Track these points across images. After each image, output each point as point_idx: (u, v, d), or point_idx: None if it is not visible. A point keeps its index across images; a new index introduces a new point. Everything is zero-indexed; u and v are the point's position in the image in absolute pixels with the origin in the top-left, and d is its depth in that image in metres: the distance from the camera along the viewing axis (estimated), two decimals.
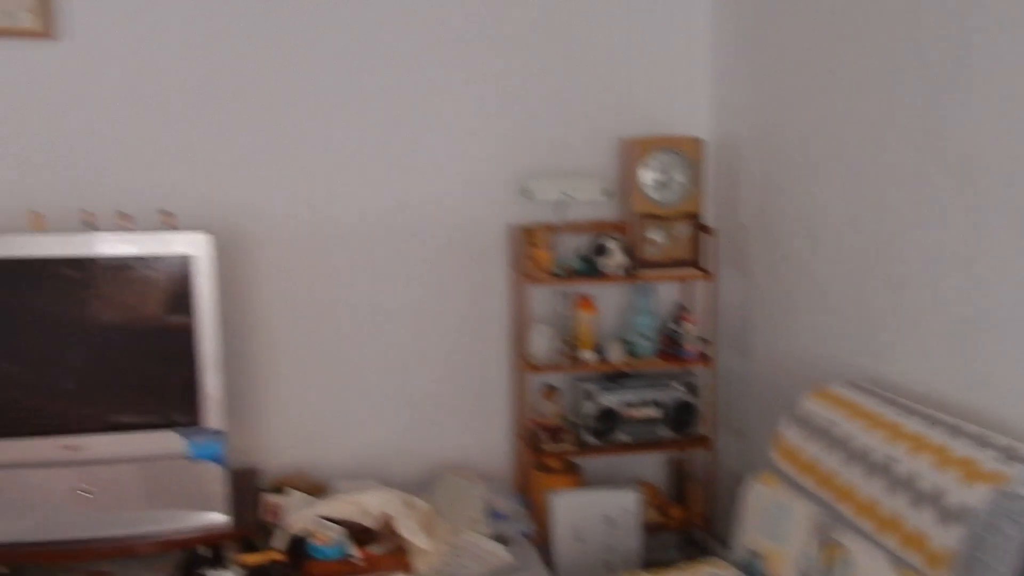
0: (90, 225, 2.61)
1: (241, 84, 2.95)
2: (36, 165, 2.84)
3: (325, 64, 3.00)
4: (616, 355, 3.11)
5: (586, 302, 3.12)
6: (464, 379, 3.25)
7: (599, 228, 3.17)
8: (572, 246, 3.18)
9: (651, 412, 3.15)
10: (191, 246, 2.61)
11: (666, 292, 3.29)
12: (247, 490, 2.92)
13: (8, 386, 2.63)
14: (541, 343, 3.07)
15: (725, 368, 3.24)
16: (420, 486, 3.09)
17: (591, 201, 3.12)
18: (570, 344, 3.13)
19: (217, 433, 2.71)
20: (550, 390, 3.16)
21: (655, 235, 3.10)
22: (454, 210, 3.15)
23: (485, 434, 3.29)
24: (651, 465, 3.42)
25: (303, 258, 3.07)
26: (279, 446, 3.14)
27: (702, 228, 3.15)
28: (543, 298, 3.21)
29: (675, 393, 3.16)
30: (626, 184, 3.14)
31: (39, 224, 2.58)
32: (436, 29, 3.06)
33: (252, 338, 3.06)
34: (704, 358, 3.16)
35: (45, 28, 2.76)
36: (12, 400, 2.64)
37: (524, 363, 3.10)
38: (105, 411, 2.68)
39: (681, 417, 3.18)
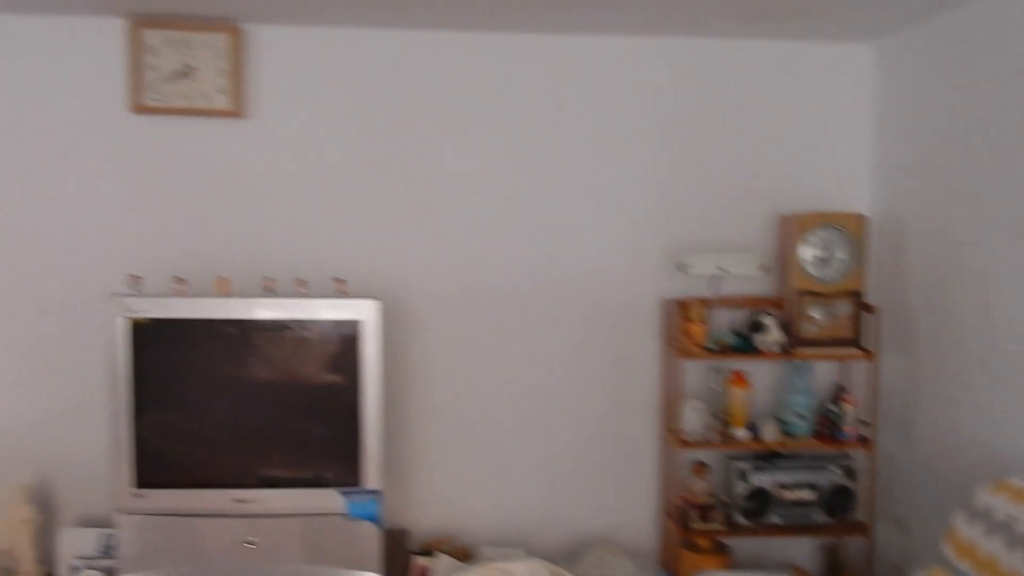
0: (270, 290, 2.78)
1: (407, 162, 3.12)
2: (225, 233, 3.07)
3: (485, 142, 3.13)
4: (770, 434, 3.03)
5: (740, 378, 3.07)
6: (611, 451, 3.24)
7: (755, 304, 3.13)
8: (726, 321, 3.14)
9: (805, 495, 3.04)
10: (360, 311, 2.75)
11: (824, 371, 3.20)
12: (398, 551, 2.99)
13: (186, 439, 2.82)
14: (692, 418, 3.03)
15: (885, 452, 3.10)
16: (565, 557, 3.08)
17: (747, 276, 3.09)
18: (722, 420, 3.08)
19: (375, 493, 2.80)
20: (700, 467, 3.10)
21: (814, 312, 3.03)
22: (605, 281, 3.19)
23: (631, 508, 3.25)
24: (804, 550, 3.28)
25: (458, 324, 3.16)
26: (428, 507, 3.21)
27: (864, 306, 3.05)
28: (695, 372, 3.18)
29: (831, 476, 3.05)
30: (785, 260, 3.10)
31: (224, 288, 2.78)
32: (592, 105, 3.15)
33: (405, 400, 3.16)
34: (863, 441, 3.04)
35: (236, 108, 3.01)
36: (189, 452, 2.82)
37: (674, 438, 3.06)
38: (273, 467, 2.82)
39: (837, 501, 3.05)
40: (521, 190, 3.15)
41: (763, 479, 3.03)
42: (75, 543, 2.98)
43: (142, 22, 2.94)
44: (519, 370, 3.20)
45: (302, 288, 2.80)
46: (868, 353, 3.04)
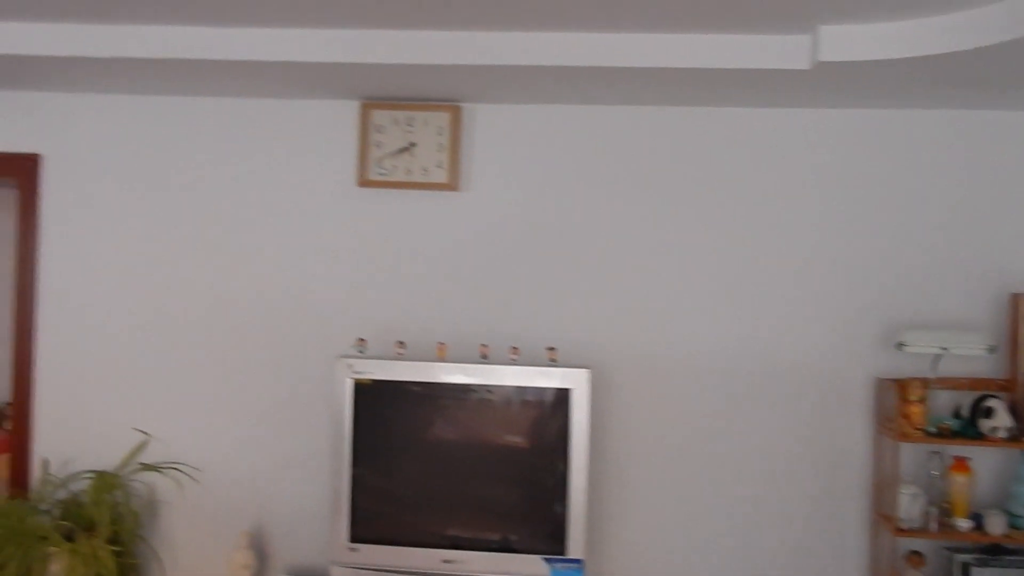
0: (484, 356, 2.88)
1: (615, 233, 3.18)
2: (443, 299, 3.22)
3: (692, 215, 3.16)
4: (996, 526, 2.83)
5: (962, 465, 2.89)
6: (816, 535, 3.11)
7: (980, 385, 2.96)
8: (945, 403, 2.99)
9: None
10: (571, 380, 2.80)
11: None
12: None
13: (400, 497, 2.93)
14: (908, 505, 2.87)
15: None
16: None
17: (971, 356, 2.93)
18: (941, 509, 2.90)
19: (578, 563, 2.81)
20: (916, 557, 2.93)
21: None
22: (813, 357, 3.11)
23: None
24: None
25: (660, 397, 3.16)
26: None
27: None
28: (910, 456, 3.02)
29: None
30: (1016, 340, 2.93)
31: (442, 353, 2.90)
32: (801, 177, 3.12)
33: (605, 470, 3.16)
34: None
35: (452, 181, 3.18)
36: (402, 510, 2.93)
37: (888, 525, 2.91)
38: (481, 530, 2.88)
39: None
40: (729, 263, 3.14)
41: (987, 575, 2.83)
42: None
43: (372, 104, 3.18)
44: (721, 446, 3.14)
45: (515, 355, 2.88)
46: None
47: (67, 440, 3.38)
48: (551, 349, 2.89)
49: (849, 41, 2.46)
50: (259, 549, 3.26)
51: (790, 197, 3.13)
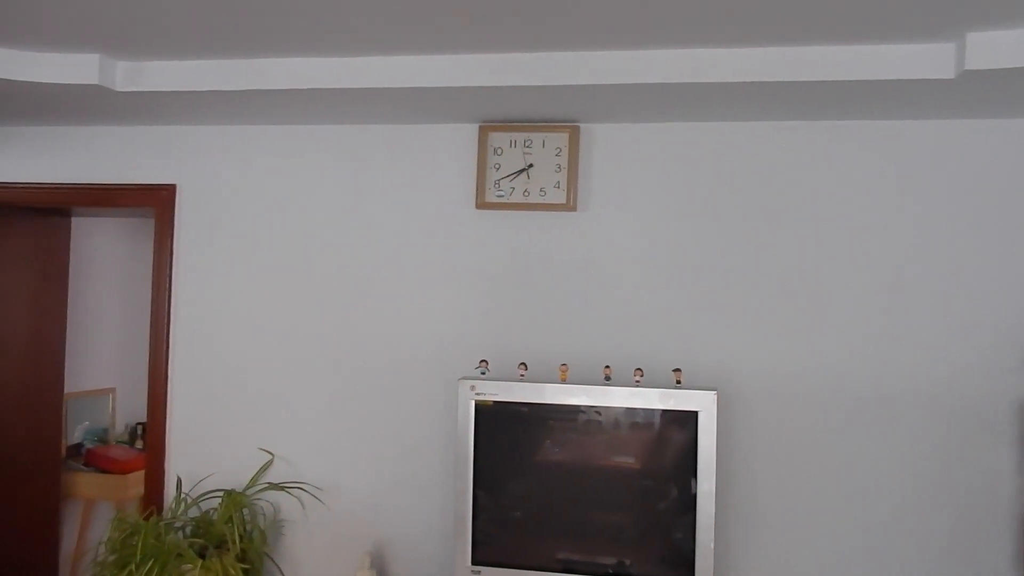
0: (608, 378, 2.85)
1: (741, 255, 3.10)
2: (564, 320, 3.21)
3: (822, 234, 3.05)
4: None
5: None
6: (955, 569, 2.94)
7: None
8: None
9: None
10: (698, 402, 2.73)
11: None
12: None
13: (520, 519, 2.91)
14: None
15: None
16: None
17: None
18: None
19: None
20: None
21: None
22: (953, 381, 2.95)
23: None
24: None
25: (790, 421, 3.05)
26: None
27: None
28: None
29: None
30: None
31: (564, 375, 2.88)
32: (943, 188, 2.98)
33: (733, 493, 3.07)
34: None
35: (569, 202, 3.17)
36: (522, 533, 2.91)
37: None
38: (603, 554, 2.83)
39: None
40: (861, 282, 3.02)
41: None
42: None
43: (490, 126, 3.21)
44: (854, 473, 3.01)
45: (639, 377, 2.84)
46: None
47: (198, 459, 3.51)
48: (676, 371, 2.83)
49: (997, 48, 2.34)
50: (380, 569, 3.30)
51: (928, 213, 2.99)
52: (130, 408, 5.43)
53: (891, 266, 3.00)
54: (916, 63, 2.47)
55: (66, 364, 4.44)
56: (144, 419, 4.44)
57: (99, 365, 5.23)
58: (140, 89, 2.97)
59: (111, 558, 3.09)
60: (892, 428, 2.99)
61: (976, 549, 2.93)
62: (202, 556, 3.08)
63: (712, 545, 2.72)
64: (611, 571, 2.81)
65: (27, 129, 3.66)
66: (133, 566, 2.98)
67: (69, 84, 2.89)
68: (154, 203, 3.54)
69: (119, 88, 2.96)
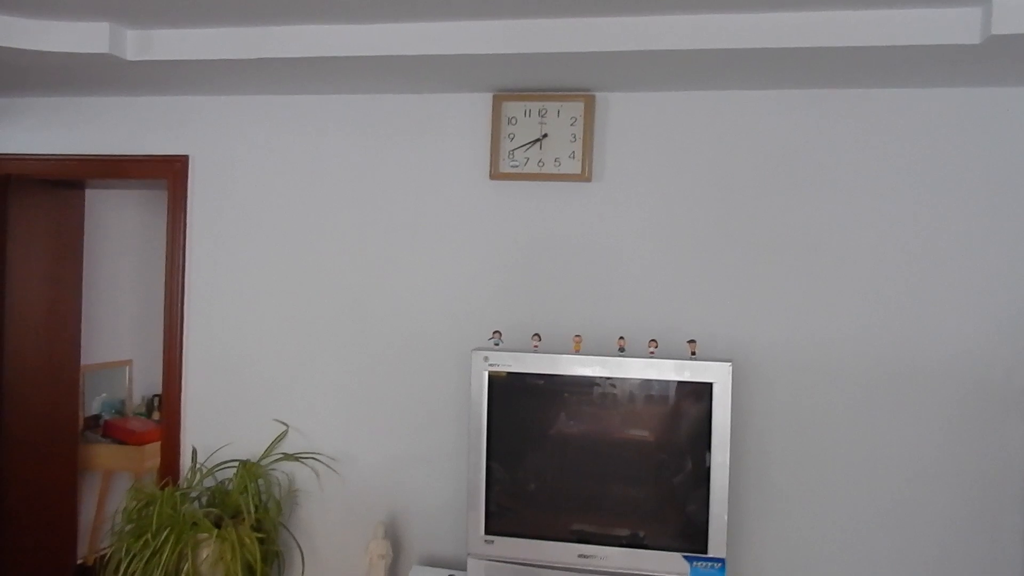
0: (622, 350, 2.83)
1: (757, 226, 3.06)
2: (577, 291, 3.18)
3: (839, 204, 3.01)
4: None
5: None
6: (968, 544, 2.92)
7: None
8: None
9: None
10: (712, 373, 2.71)
11: None
12: None
13: (535, 490, 2.91)
14: None
15: None
16: None
17: None
18: None
19: (720, 562, 2.72)
20: None
21: None
22: (972, 356, 2.91)
23: None
24: None
25: (807, 394, 3.02)
26: None
27: None
28: None
29: None
30: None
31: (578, 346, 2.86)
32: (964, 158, 2.92)
33: (746, 466, 3.06)
34: None
35: (584, 172, 3.13)
36: (537, 503, 2.91)
37: None
38: (617, 525, 2.83)
39: None
40: (879, 254, 2.98)
41: None
42: None
43: (504, 95, 3.17)
44: (868, 446, 2.99)
45: (653, 348, 2.81)
46: None
47: (213, 430, 3.53)
48: (691, 342, 2.80)
49: None
50: (395, 539, 3.31)
51: (950, 184, 2.93)
52: (147, 380, 5.47)
53: (910, 238, 2.95)
54: (940, 28, 2.40)
55: (82, 337, 4.46)
56: (160, 391, 4.47)
57: (115, 337, 5.25)
58: (151, 58, 2.95)
59: (128, 527, 3.12)
60: (908, 401, 2.96)
61: (991, 524, 2.91)
62: (217, 526, 3.10)
63: (726, 517, 2.71)
64: (624, 542, 2.80)
65: (39, 100, 3.65)
66: (149, 535, 3.01)
67: (79, 53, 2.87)
68: (167, 174, 3.53)
69: (129, 57, 2.94)
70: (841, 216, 3.00)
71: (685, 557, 2.73)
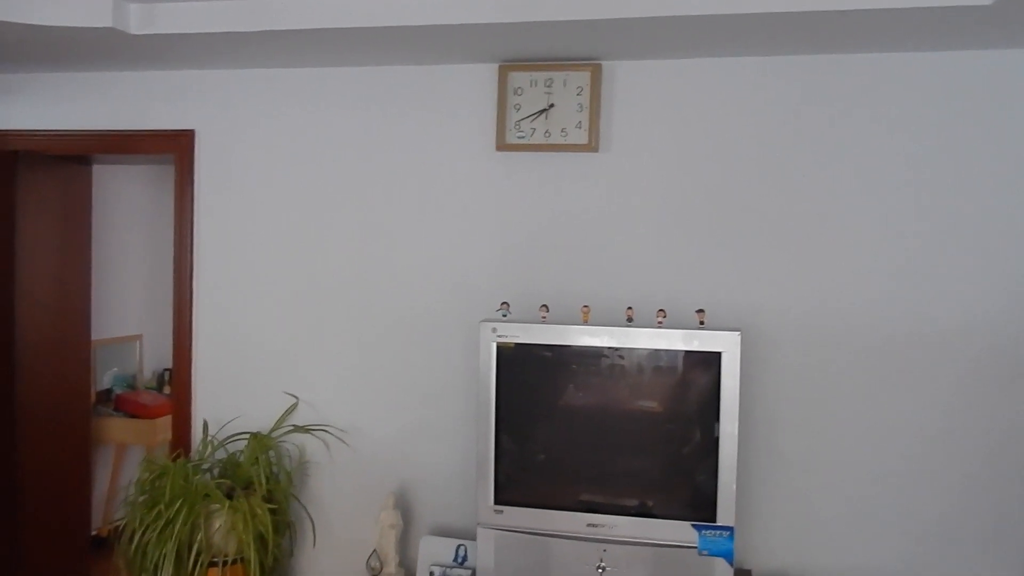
0: (630, 320, 2.83)
1: (767, 194, 3.05)
2: (585, 264, 3.18)
3: (848, 171, 2.98)
4: None
5: None
6: (981, 515, 2.92)
7: None
8: None
9: None
10: (721, 343, 2.71)
11: None
12: None
13: (543, 460, 2.93)
14: None
15: None
16: None
17: None
18: None
19: (728, 530, 2.73)
20: None
21: None
22: (984, 325, 2.90)
23: None
24: None
25: (816, 363, 3.02)
26: (770, 547, 3.08)
27: None
28: None
29: None
30: None
31: (586, 317, 2.86)
32: (977, 123, 2.89)
33: (756, 434, 3.06)
34: None
35: (591, 143, 3.12)
36: (546, 473, 2.93)
37: None
38: (626, 495, 2.85)
39: None
40: (890, 220, 2.96)
41: None
42: (433, 551, 3.20)
43: (510, 66, 3.15)
44: (880, 417, 2.99)
45: (661, 318, 2.81)
46: None
47: (223, 403, 3.55)
48: (700, 311, 2.80)
49: None
50: (405, 509, 3.34)
51: (962, 149, 2.90)
52: (157, 354, 5.51)
53: (921, 204, 2.93)
54: None
55: (92, 312, 4.49)
56: (170, 365, 4.50)
57: (125, 313, 5.29)
58: (155, 31, 2.94)
59: (141, 498, 3.16)
60: (916, 369, 2.95)
61: (998, 491, 2.91)
62: (229, 497, 3.13)
63: (734, 487, 2.72)
64: (633, 512, 2.82)
65: (45, 76, 3.65)
66: (163, 506, 3.04)
67: (83, 27, 2.86)
68: (173, 149, 3.52)
69: (133, 31, 2.93)
70: (850, 183, 2.98)
71: (694, 525, 2.75)
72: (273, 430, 3.41)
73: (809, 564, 3.05)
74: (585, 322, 2.86)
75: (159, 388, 5.47)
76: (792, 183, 3.02)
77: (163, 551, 2.99)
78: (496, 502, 2.91)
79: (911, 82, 2.92)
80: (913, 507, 2.98)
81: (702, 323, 2.78)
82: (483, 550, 2.91)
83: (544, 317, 2.92)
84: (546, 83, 3.11)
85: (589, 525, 2.83)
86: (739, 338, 2.69)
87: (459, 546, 3.18)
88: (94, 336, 4.59)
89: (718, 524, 2.73)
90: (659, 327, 2.79)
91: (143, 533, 3.04)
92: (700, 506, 2.76)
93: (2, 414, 3.81)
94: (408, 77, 3.31)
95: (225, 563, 3.09)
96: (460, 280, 3.29)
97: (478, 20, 2.70)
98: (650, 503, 2.82)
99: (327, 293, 3.43)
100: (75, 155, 4.15)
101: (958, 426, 2.93)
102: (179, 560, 3.01)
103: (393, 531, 3.21)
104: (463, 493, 3.28)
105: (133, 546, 3.05)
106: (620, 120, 3.14)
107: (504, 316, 2.93)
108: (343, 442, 3.42)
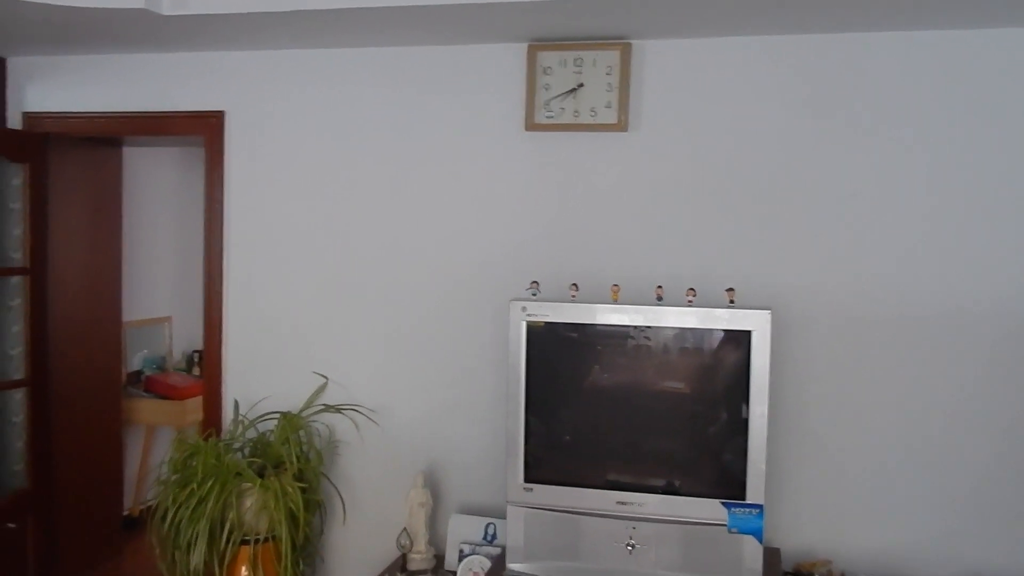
0: (660, 299, 2.83)
1: (798, 173, 3.03)
2: (615, 243, 3.18)
3: (882, 150, 2.96)
4: None
5: None
6: (1013, 492, 2.90)
7: None
8: None
9: None
10: (751, 321, 2.70)
11: None
12: (771, 568, 2.89)
13: (573, 438, 2.94)
14: None
15: None
16: None
17: None
18: None
19: (758, 508, 2.73)
20: None
21: None
22: (1017, 304, 2.87)
23: None
24: None
25: (846, 342, 3.01)
26: (799, 525, 3.08)
27: None
28: None
29: None
30: None
31: (616, 296, 2.86)
32: (1010, 101, 2.86)
33: (786, 413, 3.06)
34: None
35: (620, 122, 3.11)
36: (576, 451, 2.94)
37: None
38: (655, 473, 2.85)
39: None
40: (920, 201, 2.93)
41: None
42: (462, 529, 3.22)
43: (539, 45, 3.14)
44: (909, 396, 2.97)
45: (691, 297, 2.81)
46: None
47: (254, 383, 3.59)
48: (730, 290, 2.79)
49: None
50: (434, 488, 3.36)
51: (989, 127, 2.87)
52: (186, 336, 5.57)
53: (950, 183, 2.91)
54: None
55: (123, 294, 4.54)
56: (199, 347, 4.55)
57: (155, 294, 5.35)
58: (186, 12, 2.95)
59: (174, 477, 3.19)
60: (945, 346, 2.93)
61: None
62: (260, 475, 3.16)
63: (764, 467, 2.71)
64: (662, 490, 2.82)
65: (76, 58, 3.68)
66: (195, 484, 3.07)
67: (115, 8, 2.88)
68: (203, 130, 3.55)
69: (165, 12, 2.95)
70: (880, 162, 2.96)
71: (723, 503, 2.75)
72: (303, 410, 3.44)
73: (838, 542, 3.05)
74: (615, 301, 2.86)
75: (188, 370, 5.53)
76: (822, 161, 3.00)
77: (196, 529, 3.02)
78: (526, 480, 2.92)
79: (943, 59, 2.89)
80: (943, 485, 2.96)
81: (732, 302, 2.77)
82: (512, 528, 2.93)
83: (574, 296, 2.92)
84: (575, 62, 3.11)
85: (619, 503, 2.83)
86: (769, 317, 2.68)
87: (488, 524, 3.20)
88: (124, 318, 4.64)
89: (748, 502, 2.73)
90: (689, 306, 2.78)
91: (176, 511, 3.07)
92: (729, 485, 2.76)
93: (35, 395, 3.87)
94: (437, 57, 3.31)
95: (257, 541, 3.13)
96: (489, 259, 3.30)
97: None
98: (679, 482, 2.83)
99: (357, 273, 3.45)
100: (106, 137, 4.19)
101: (989, 403, 2.91)
102: (211, 538, 3.04)
103: (423, 509, 3.24)
104: (492, 472, 3.29)
105: (166, 524, 3.09)
106: (649, 99, 3.13)
107: (534, 295, 2.93)
108: (373, 421, 3.45)
